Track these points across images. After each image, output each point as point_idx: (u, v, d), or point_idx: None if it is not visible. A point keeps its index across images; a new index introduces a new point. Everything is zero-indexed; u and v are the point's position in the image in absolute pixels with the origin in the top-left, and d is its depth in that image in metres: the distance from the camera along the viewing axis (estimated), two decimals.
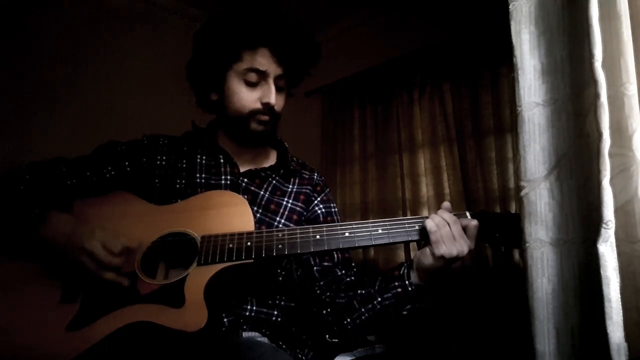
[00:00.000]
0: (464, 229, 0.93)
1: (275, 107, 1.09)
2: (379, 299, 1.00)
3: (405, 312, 1.00)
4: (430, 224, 0.92)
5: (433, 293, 0.99)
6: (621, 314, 0.63)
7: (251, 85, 1.07)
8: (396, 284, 0.99)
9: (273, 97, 1.07)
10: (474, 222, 0.94)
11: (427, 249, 0.93)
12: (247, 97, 1.07)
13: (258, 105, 1.07)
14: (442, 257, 0.91)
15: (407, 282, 0.98)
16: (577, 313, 0.73)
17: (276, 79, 1.08)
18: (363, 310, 1.02)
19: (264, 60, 1.06)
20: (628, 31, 0.68)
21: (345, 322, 1.05)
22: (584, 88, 0.71)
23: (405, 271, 0.99)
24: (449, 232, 0.92)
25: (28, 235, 0.97)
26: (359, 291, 1.05)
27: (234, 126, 1.12)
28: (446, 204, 0.98)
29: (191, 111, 1.25)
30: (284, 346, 1.02)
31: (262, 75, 1.07)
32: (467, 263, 2.30)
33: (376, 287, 1.02)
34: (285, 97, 1.16)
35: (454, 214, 0.96)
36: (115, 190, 1.09)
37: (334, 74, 2.96)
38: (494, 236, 0.95)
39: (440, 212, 0.95)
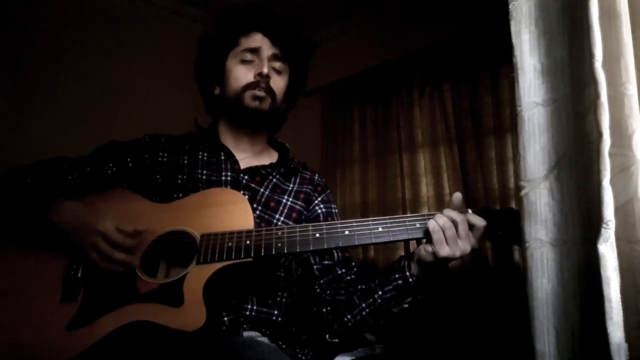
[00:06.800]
0: (471, 227, 0.92)
1: (272, 84, 1.14)
2: (380, 293, 1.00)
3: (406, 305, 1.00)
4: (432, 224, 0.91)
5: (433, 285, 0.99)
6: (621, 314, 0.63)
7: (247, 63, 1.14)
8: (397, 275, 0.99)
9: (265, 67, 1.12)
10: (483, 224, 0.92)
11: (429, 248, 0.92)
12: (242, 73, 1.14)
13: (252, 78, 1.13)
14: (445, 258, 0.91)
15: (407, 273, 0.98)
16: (577, 313, 0.73)
17: (271, 59, 1.15)
18: (364, 305, 1.02)
19: (257, 41, 1.15)
20: (628, 31, 0.67)
21: (345, 318, 1.04)
22: (584, 88, 0.71)
23: (406, 263, 0.99)
24: (453, 234, 0.91)
25: (38, 221, 0.98)
26: (359, 286, 1.05)
27: (232, 107, 1.15)
28: (457, 195, 0.97)
29: (190, 111, 1.26)
30: (283, 346, 1.02)
31: (256, 53, 1.15)
32: (467, 263, 2.30)
33: (376, 281, 1.02)
34: (287, 89, 1.19)
35: (460, 212, 0.94)
36: (114, 188, 1.10)
37: (334, 74, 2.96)
38: (497, 234, 0.94)
39: (446, 211, 0.93)
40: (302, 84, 1.27)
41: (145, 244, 0.99)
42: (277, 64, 1.16)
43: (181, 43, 2.63)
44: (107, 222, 0.94)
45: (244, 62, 1.14)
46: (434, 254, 0.91)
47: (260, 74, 1.12)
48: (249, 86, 1.12)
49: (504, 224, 0.93)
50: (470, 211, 0.95)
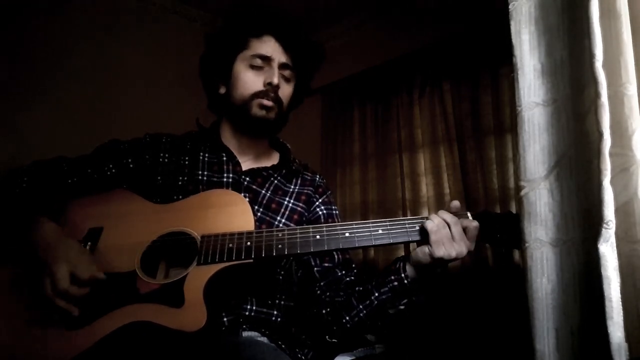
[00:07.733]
0: (464, 230, 0.93)
1: (280, 93, 1.11)
2: (376, 294, 1.00)
3: (402, 307, 1.00)
4: (430, 224, 0.92)
5: (429, 287, 0.99)
6: (622, 313, 0.63)
7: (256, 69, 1.11)
8: (392, 277, 0.99)
9: (276, 77, 1.10)
10: (474, 224, 0.93)
11: (425, 249, 0.93)
12: (251, 80, 1.11)
13: (261, 87, 1.10)
14: (440, 258, 0.91)
15: (402, 274, 0.98)
16: (577, 313, 0.73)
17: (281, 67, 1.12)
18: (361, 307, 1.02)
19: (269, 47, 1.11)
20: (628, 31, 0.68)
21: (344, 320, 1.05)
22: (584, 88, 0.71)
23: (401, 265, 0.99)
24: (448, 234, 0.91)
25: (14, 239, 0.98)
26: (357, 288, 1.05)
27: (237, 113, 1.13)
28: (455, 203, 0.98)
29: (191, 110, 1.26)
30: (283, 346, 1.02)
31: (267, 61, 1.11)
32: (467, 263, 2.31)
33: (373, 283, 1.02)
34: (293, 94, 1.17)
35: (454, 214, 0.95)
36: (115, 188, 1.10)
37: (334, 74, 2.96)
38: (496, 237, 0.95)
39: (440, 212, 0.95)
40: (307, 88, 1.25)
41: (139, 252, 0.98)
42: (287, 72, 1.14)
43: (181, 43, 2.63)
44: (62, 266, 0.89)
45: (253, 67, 1.11)
46: (431, 254, 0.92)
47: (270, 84, 1.09)
48: (257, 95, 1.10)
49: (503, 227, 0.94)
50: (468, 214, 0.96)
